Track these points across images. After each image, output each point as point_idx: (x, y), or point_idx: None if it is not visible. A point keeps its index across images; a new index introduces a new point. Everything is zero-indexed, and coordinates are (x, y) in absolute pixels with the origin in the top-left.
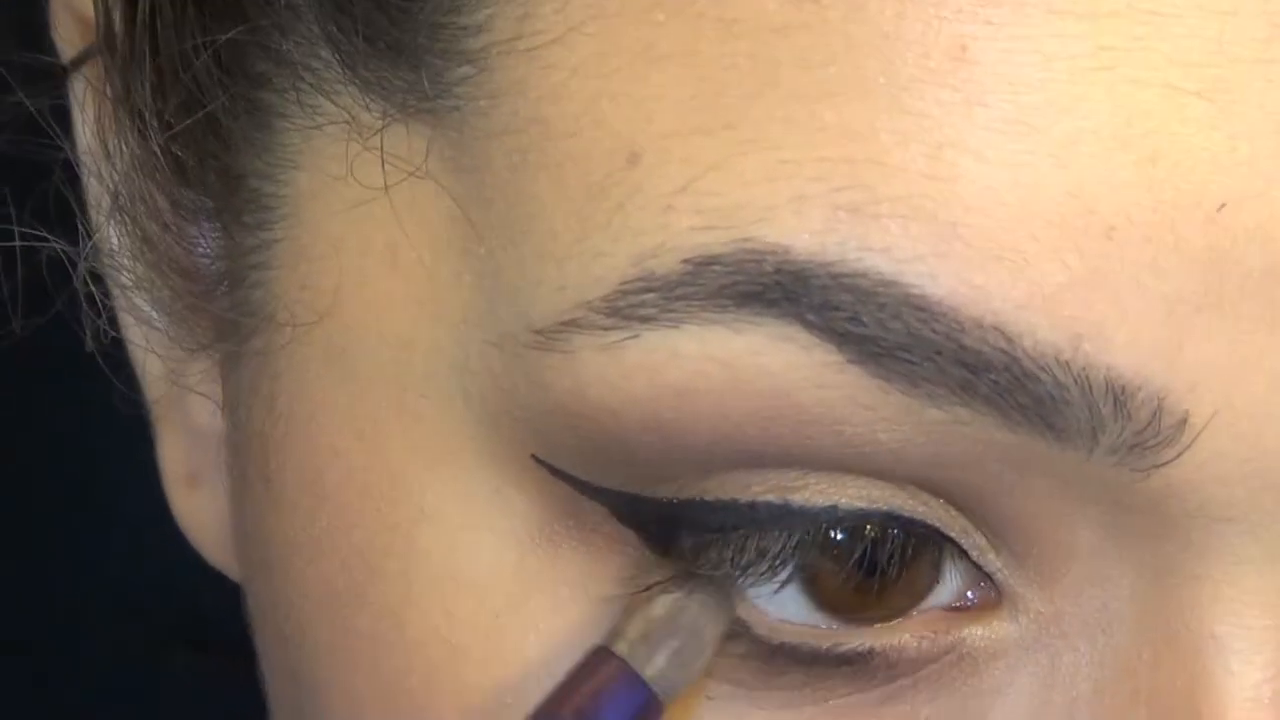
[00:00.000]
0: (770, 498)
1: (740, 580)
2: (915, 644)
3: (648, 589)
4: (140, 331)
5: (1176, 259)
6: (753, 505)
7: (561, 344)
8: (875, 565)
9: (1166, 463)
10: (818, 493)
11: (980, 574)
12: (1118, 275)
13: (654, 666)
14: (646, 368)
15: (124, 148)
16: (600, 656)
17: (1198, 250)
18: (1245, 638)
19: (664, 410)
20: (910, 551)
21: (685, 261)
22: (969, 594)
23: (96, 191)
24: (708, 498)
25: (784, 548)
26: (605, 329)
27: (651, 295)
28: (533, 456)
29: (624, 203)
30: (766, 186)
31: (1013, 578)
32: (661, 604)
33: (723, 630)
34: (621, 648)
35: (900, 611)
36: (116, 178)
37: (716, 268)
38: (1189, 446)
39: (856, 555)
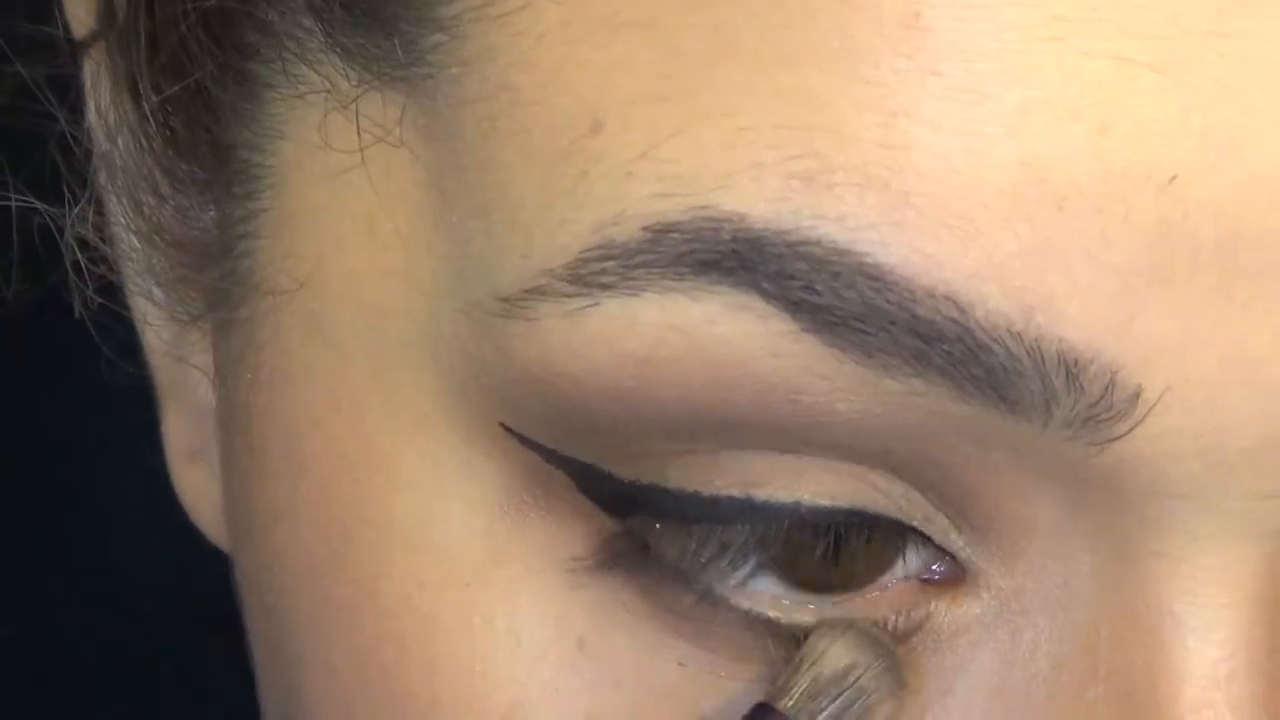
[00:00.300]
0: (733, 492)
1: (703, 572)
2: (893, 618)
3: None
4: (139, 303)
5: (1127, 230)
6: (715, 499)
7: (526, 311)
8: (840, 541)
9: (1120, 437)
10: (780, 488)
11: (941, 552)
12: (1069, 246)
13: None
14: (607, 335)
15: (123, 121)
16: (761, 713)
17: (1149, 222)
18: (1202, 615)
19: (625, 378)
20: (873, 538)
21: (645, 229)
22: (934, 566)
23: (99, 166)
24: (669, 485)
25: (745, 541)
26: (568, 296)
27: (612, 263)
28: (501, 424)
29: (587, 170)
30: (724, 154)
31: (975, 554)
32: (831, 661)
33: (889, 707)
34: (785, 703)
35: (867, 580)
36: (116, 151)
37: (675, 235)
38: (1142, 421)
39: (819, 550)
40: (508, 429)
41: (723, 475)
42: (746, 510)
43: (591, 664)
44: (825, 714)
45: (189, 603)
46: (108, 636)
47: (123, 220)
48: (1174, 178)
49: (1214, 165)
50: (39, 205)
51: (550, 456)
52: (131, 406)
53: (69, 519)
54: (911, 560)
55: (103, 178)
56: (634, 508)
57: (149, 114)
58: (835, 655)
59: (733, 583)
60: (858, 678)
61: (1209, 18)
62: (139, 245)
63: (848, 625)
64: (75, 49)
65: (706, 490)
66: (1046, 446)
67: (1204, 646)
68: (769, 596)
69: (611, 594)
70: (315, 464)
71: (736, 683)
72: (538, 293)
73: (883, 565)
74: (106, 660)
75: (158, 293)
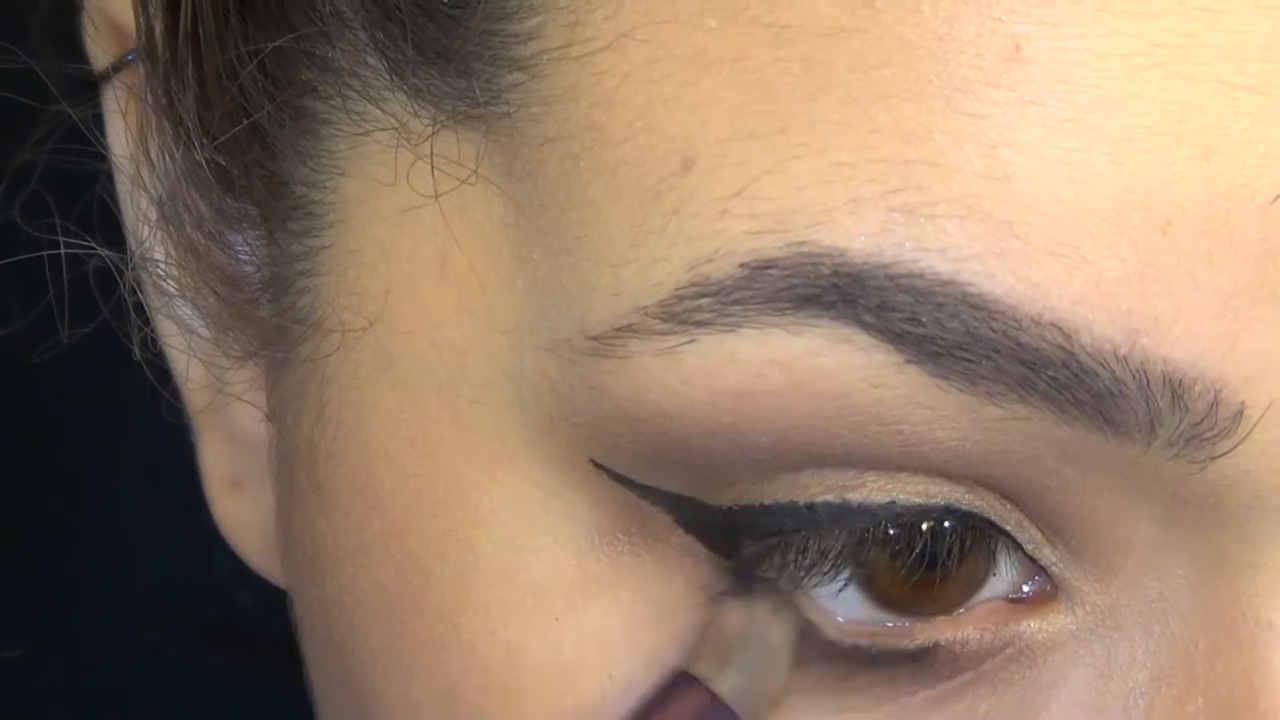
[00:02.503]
0: (828, 498)
1: (805, 581)
2: (977, 637)
3: (712, 600)
4: (183, 340)
5: (1231, 252)
6: (811, 506)
7: (618, 349)
8: (934, 560)
9: (1223, 454)
10: (876, 489)
11: (1035, 567)
12: (1173, 269)
13: (728, 683)
14: (704, 372)
15: (167, 156)
16: (680, 680)
17: (1252, 243)
18: None
19: (723, 414)
20: (967, 545)
21: (742, 266)
22: (1024, 587)
23: (133, 199)
24: (766, 501)
25: (844, 546)
26: (661, 334)
27: (708, 300)
28: (591, 461)
29: (679, 208)
30: (821, 189)
31: (1068, 571)
32: (729, 618)
33: (792, 637)
34: (700, 669)
35: (956, 604)
36: (160, 186)
37: (773, 271)
38: (1245, 437)
39: (916, 551)
40: (598, 465)
41: (817, 483)
42: (843, 514)
43: None
44: (736, 667)
45: (225, 600)
46: (142, 635)
47: (168, 255)
48: (1277, 198)
49: None
50: (99, 250)
51: (642, 492)
52: (142, 417)
53: (102, 515)
54: (1002, 577)
55: (137, 210)
56: (736, 533)
57: (198, 151)
58: (731, 612)
59: (834, 589)
60: (758, 631)
61: None
62: (186, 281)
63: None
64: (100, 80)
65: (802, 498)
66: (1147, 466)
67: None
68: (870, 626)
69: (702, 624)
70: (388, 500)
71: (835, 716)
72: (630, 330)
73: (973, 585)
74: (141, 660)
75: (205, 329)
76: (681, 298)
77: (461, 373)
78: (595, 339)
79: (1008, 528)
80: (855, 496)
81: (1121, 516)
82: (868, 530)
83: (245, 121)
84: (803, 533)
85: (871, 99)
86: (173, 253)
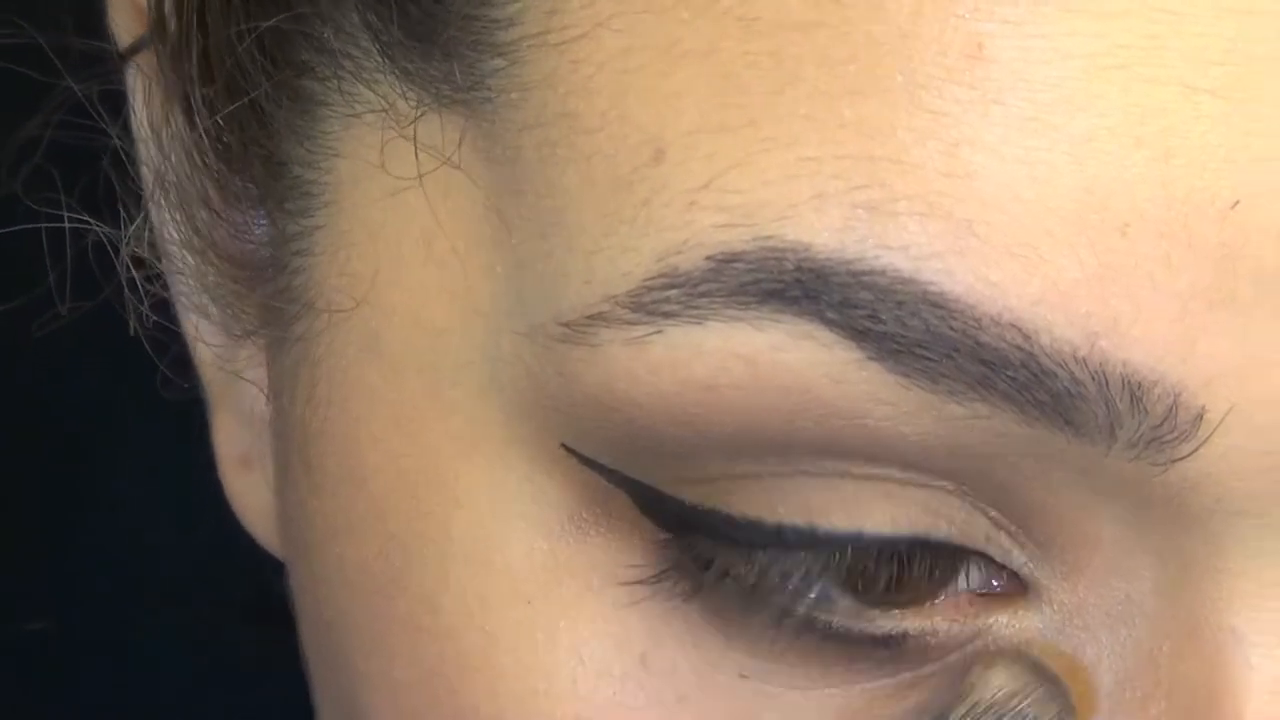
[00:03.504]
0: (797, 522)
1: (771, 595)
2: (946, 628)
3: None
4: (192, 318)
5: (1190, 255)
6: (779, 528)
7: (588, 337)
8: (901, 576)
9: (1184, 457)
10: (842, 518)
11: (1002, 568)
12: (1132, 271)
13: None
14: (671, 363)
15: (175, 135)
16: None
17: (1211, 247)
18: (1265, 631)
19: (689, 404)
20: (936, 565)
21: (709, 259)
22: (994, 582)
23: (149, 179)
24: (733, 512)
25: (807, 572)
26: (630, 324)
27: (675, 291)
28: (562, 445)
29: (650, 198)
30: (788, 184)
31: (1038, 569)
32: (990, 687)
33: None
34: None
35: (927, 597)
36: (169, 165)
37: (739, 265)
38: (1206, 441)
39: (883, 579)
40: (569, 449)
41: (785, 503)
42: (810, 540)
43: (655, 680)
44: None
45: (252, 575)
46: (168, 611)
47: (176, 234)
48: (1236, 203)
49: (1275, 190)
50: (95, 225)
51: (611, 477)
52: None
53: (124, 493)
54: (973, 576)
55: (151, 189)
56: (693, 530)
57: (202, 129)
58: (996, 680)
59: (801, 606)
60: (1019, 704)
61: (1271, 44)
62: (192, 260)
63: (1013, 652)
64: (121, 59)
65: (770, 519)
66: (1110, 466)
67: (1266, 663)
68: (831, 607)
69: (672, 610)
70: (373, 480)
71: (800, 693)
72: (600, 319)
73: (943, 581)
74: (168, 635)
75: (212, 307)
76: (650, 288)
77: (443, 355)
78: (567, 325)
79: (977, 547)
80: (823, 524)
81: (1087, 514)
82: (833, 556)
83: (244, 99)
84: (764, 553)
85: (838, 94)
86: (180, 231)
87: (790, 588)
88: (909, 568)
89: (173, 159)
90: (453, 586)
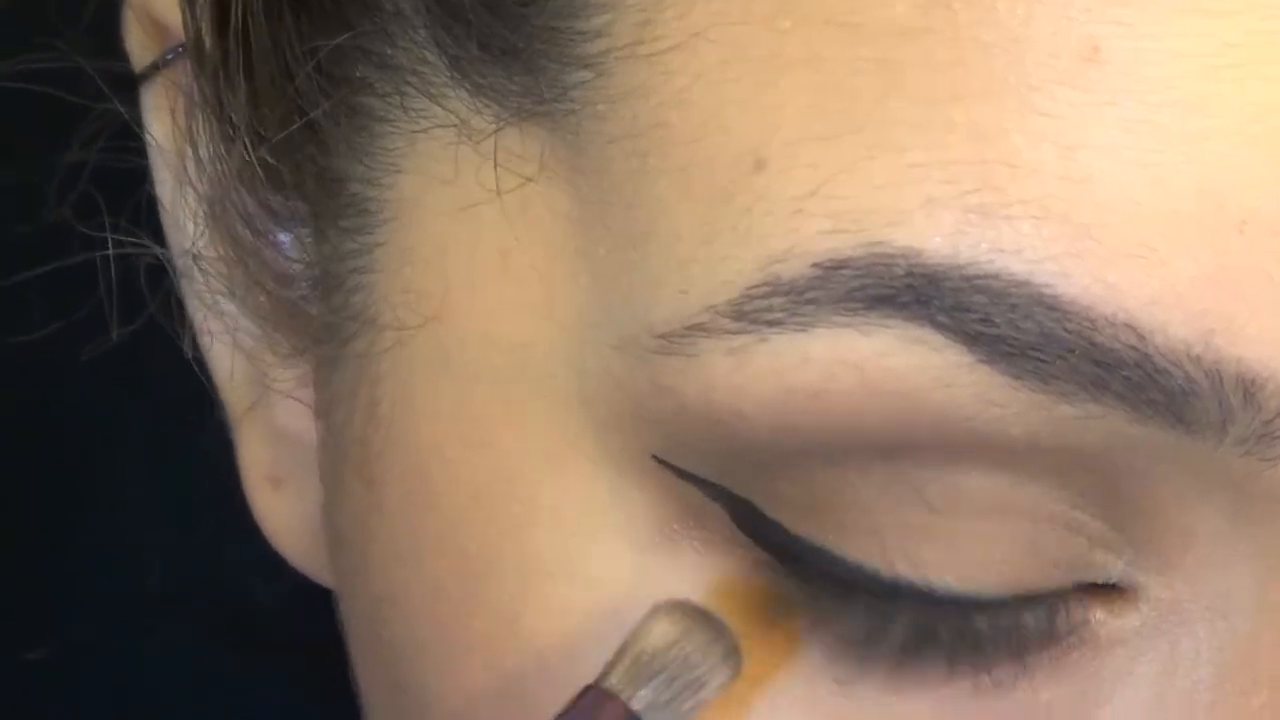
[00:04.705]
0: (913, 580)
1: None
2: (1041, 621)
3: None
4: (226, 337)
5: None
6: (895, 585)
7: (686, 348)
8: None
9: None
10: (959, 577)
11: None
12: (1248, 269)
13: (641, 700)
14: (775, 371)
15: (215, 155)
16: (588, 694)
17: None
18: None
19: (794, 413)
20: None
21: (815, 266)
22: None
23: (177, 197)
24: (848, 558)
25: (913, 625)
26: (732, 333)
27: (780, 299)
28: (654, 457)
29: (751, 207)
30: (896, 190)
31: (1134, 567)
32: (654, 637)
33: (724, 680)
34: (610, 681)
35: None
36: (207, 185)
37: (846, 271)
38: None
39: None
40: (661, 461)
41: (899, 550)
42: (923, 599)
43: (742, 690)
44: (652, 686)
45: (242, 598)
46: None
47: (216, 252)
48: None
49: None
50: (154, 247)
51: (708, 489)
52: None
53: (114, 511)
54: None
55: (169, 202)
56: (796, 561)
57: (249, 155)
58: (659, 631)
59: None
60: (683, 650)
61: None
62: (233, 276)
63: (672, 603)
64: (139, 79)
65: (886, 573)
66: (1217, 460)
67: None
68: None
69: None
70: (443, 497)
71: (895, 696)
72: (699, 329)
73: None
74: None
75: (250, 325)
76: (752, 297)
77: (521, 369)
78: (662, 336)
79: (1079, 579)
80: (939, 582)
81: (1187, 508)
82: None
83: (300, 121)
84: (862, 603)
85: (946, 99)
86: (221, 250)
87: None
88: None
89: (212, 178)
90: (533, 600)
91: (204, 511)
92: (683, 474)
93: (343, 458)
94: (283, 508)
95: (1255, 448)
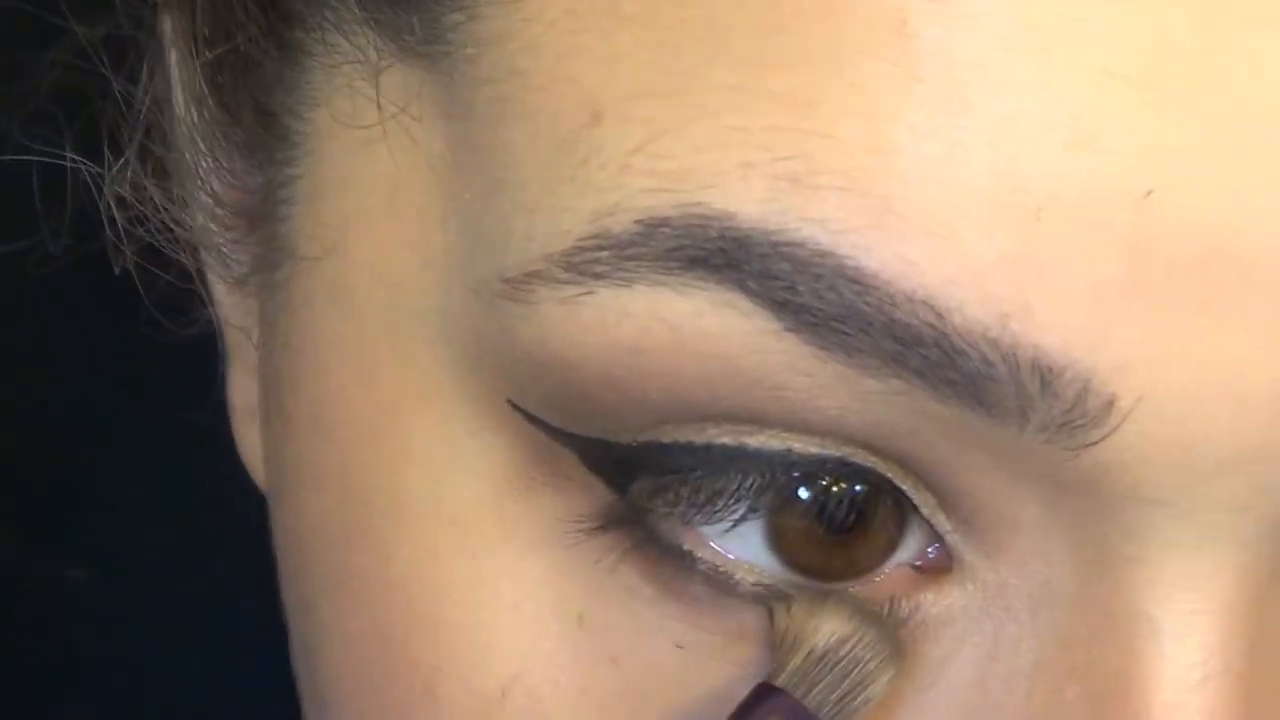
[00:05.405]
0: (725, 440)
1: (695, 519)
2: (887, 605)
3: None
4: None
5: (1103, 243)
6: (708, 447)
7: (527, 294)
8: (834, 518)
9: (1095, 443)
10: (772, 437)
11: (933, 534)
12: (1045, 256)
13: (815, 699)
14: (601, 324)
15: (187, 83)
16: (763, 692)
17: (1124, 235)
18: (1177, 620)
19: (616, 366)
20: (866, 502)
21: (638, 222)
22: (929, 550)
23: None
24: (665, 440)
25: (739, 487)
26: (563, 283)
27: (606, 253)
28: (508, 401)
29: (587, 159)
30: (715, 153)
31: (962, 543)
32: (824, 633)
33: (889, 675)
34: (782, 680)
35: (866, 569)
36: (192, 114)
37: (666, 230)
38: (1116, 428)
39: (809, 500)
40: (514, 405)
41: (715, 426)
42: (739, 456)
43: (590, 640)
44: (823, 684)
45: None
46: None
47: (196, 183)
48: (1150, 193)
49: (1191, 182)
50: (85, 164)
51: (554, 434)
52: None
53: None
54: (908, 547)
55: (181, 141)
56: (634, 471)
57: (202, 78)
58: (828, 627)
59: (724, 527)
60: (853, 647)
61: (1191, 35)
62: (204, 205)
63: (834, 597)
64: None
65: (700, 439)
66: (1026, 449)
67: (1179, 651)
68: (772, 577)
69: (611, 573)
70: (337, 431)
71: (733, 665)
72: (537, 277)
73: (883, 551)
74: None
75: (209, 255)
76: (583, 249)
77: (400, 307)
78: (508, 282)
79: (904, 487)
80: (752, 441)
81: (1005, 495)
82: (763, 474)
83: (231, 43)
84: (698, 472)
85: (767, 64)
86: (198, 179)
87: (720, 508)
88: (844, 523)
89: (190, 108)
90: (405, 539)
91: (204, 506)
92: (530, 418)
93: (267, 386)
94: (256, 438)
95: (1056, 437)
